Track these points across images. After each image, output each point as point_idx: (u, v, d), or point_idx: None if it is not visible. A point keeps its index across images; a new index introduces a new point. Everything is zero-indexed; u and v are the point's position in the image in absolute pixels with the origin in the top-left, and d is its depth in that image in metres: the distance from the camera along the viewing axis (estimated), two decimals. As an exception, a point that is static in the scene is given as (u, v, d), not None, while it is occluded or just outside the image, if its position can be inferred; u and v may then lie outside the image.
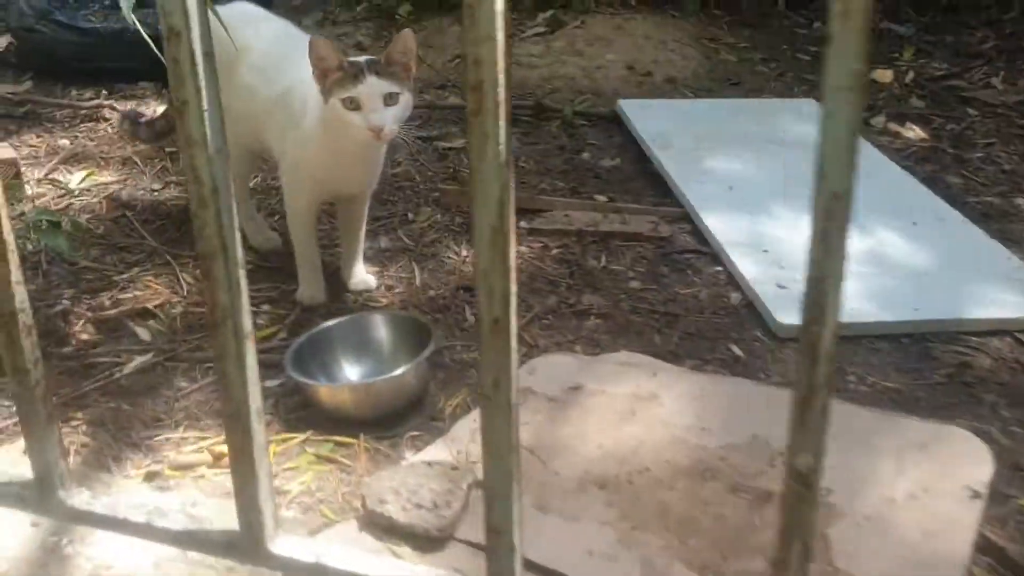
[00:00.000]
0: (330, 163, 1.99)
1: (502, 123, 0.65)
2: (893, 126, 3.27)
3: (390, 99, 1.83)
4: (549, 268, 2.28)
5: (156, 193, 2.69)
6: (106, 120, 3.19)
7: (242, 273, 0.88)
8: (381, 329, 1.91)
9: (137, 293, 2.20)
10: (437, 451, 1.62)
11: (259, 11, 2.30)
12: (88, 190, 2.70)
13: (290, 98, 2.03)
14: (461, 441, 1.63)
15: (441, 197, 2.61)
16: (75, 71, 3.49)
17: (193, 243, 2.24)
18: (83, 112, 3.24)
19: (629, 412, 1.71)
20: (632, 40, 3.85)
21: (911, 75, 3.76)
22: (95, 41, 3.46)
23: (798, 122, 3.08)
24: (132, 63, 3.44)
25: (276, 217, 2.56)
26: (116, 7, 3.64)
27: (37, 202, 2.61)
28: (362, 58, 1.89)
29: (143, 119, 2.64)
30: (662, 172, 2.73)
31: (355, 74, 1.83)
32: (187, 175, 0.82)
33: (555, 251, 2.36)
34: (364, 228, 2.20)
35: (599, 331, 2.03)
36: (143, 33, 3.34)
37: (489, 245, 0.68)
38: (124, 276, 2.26)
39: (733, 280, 2.21)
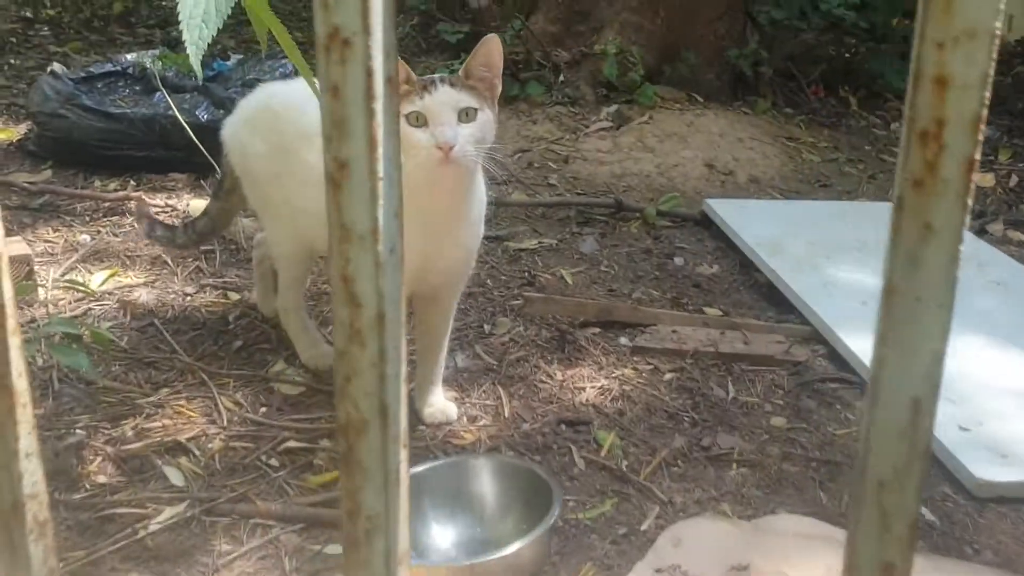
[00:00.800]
0: (410, 227, 1.57)
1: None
2: (1013, 233, 2.92)
3: (465, 115, 1.49)
4: (667, 398, 1.88)
5: (189, 298, 2.31)
6: (132, 214, 2.83)
7: (404, 456, 0.54)
8: (484, 479, 1.49)
9: (167, 422, 1.80)
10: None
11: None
12: (110, 293, 2.32)
13: None
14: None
15: (523, 306, 2.23)
16: (99, 159, 3.16)
17: (234, 359, 1.85)
18: (106, 205, 2.89)
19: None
20: (706, 137, 3.53)
21: (1015, 179, 3.43)
22: (123, 127, 3.14)
23: (913, 228, 2.71)
24: (163, 152, 3.13)
25: (329, 329, 2.17)
26: (147, 92, 3.36)
27: (51, 306, 2.23)
28: (436, 75, 1.54)
29: (186, 220, 2.27)
30: (776, 282, 2.35)
31: (424, 85, 1.50)
32: (334, 289, 0.52)
33: (669, 376, 1.96)
34: (447, 340, 1.81)
35: (747, 484, 1.61)
36: (179, 118, 3.06)
37: None
38: (151, 399, 1.87)
39: (897, 418, 1.80)
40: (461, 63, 3.91)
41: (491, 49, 1.49)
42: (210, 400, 1.88)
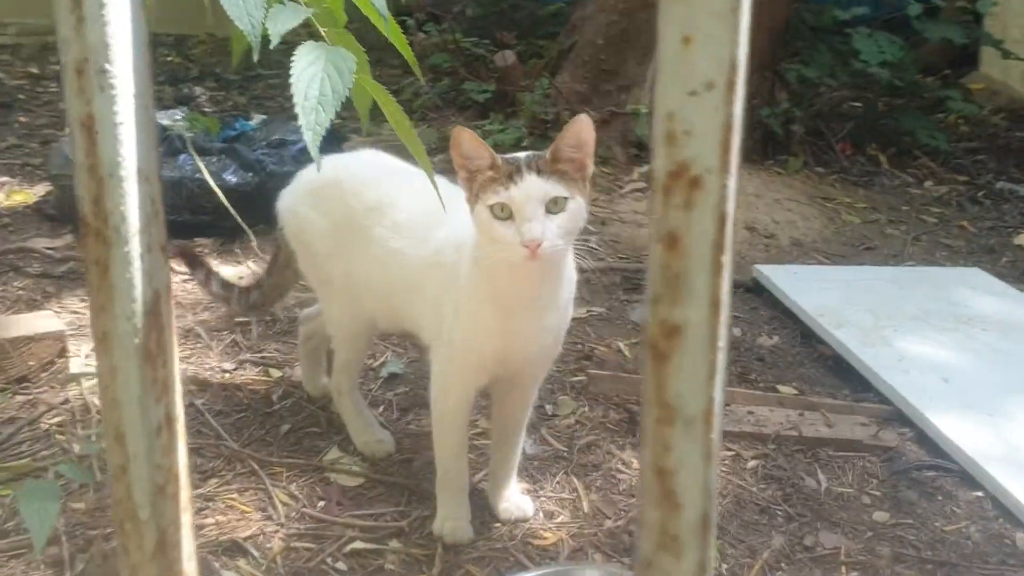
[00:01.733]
0: (491, 310, 1.47)
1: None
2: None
3: (554, 205, 1.36)
4: (754, 489, 1.75)
5: (228, 375, 2.18)
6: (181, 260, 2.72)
7: None
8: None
9: (220, 518, 1.66)
10: None
11: (389, 159, 1.86)
12: (145, 370, 2.19)
13: (445, 254, 1.56)
14: None
15: (587, 384, 2.11)
16: (123, 224, 3.06)
17: (283, 445, 1.70)
18: (133, 271, 2.77)
19: None
20: (743, 197, 3.44)
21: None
22: (150, 191, 3.04)
23: (974, 295, 2.63)
24: (189, 216, 3.01)
25: (380, 408, 2.05)
26: (170, 153, 3.25)
27: (85, 384, 2.10)
28: (522, 154, 1.43)
29: (238, 287, 2.14)
30: (846, 356, 2.24)
31: (510, 173, 1.36)
32: (644, 483, 0.51)
33: (752, 463, 1.84)
34: (524, 429, 1.69)
35: (862, 590, 1.49)
36: (210, 182, 2.95)
37: None
38: (200, 492, 1.73)
39: (1006, 511, 1.68)
40: (490, 123, 3.87)
41: (581, 128, 1.38)
42: (263, 492, 1.74)
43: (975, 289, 2.68)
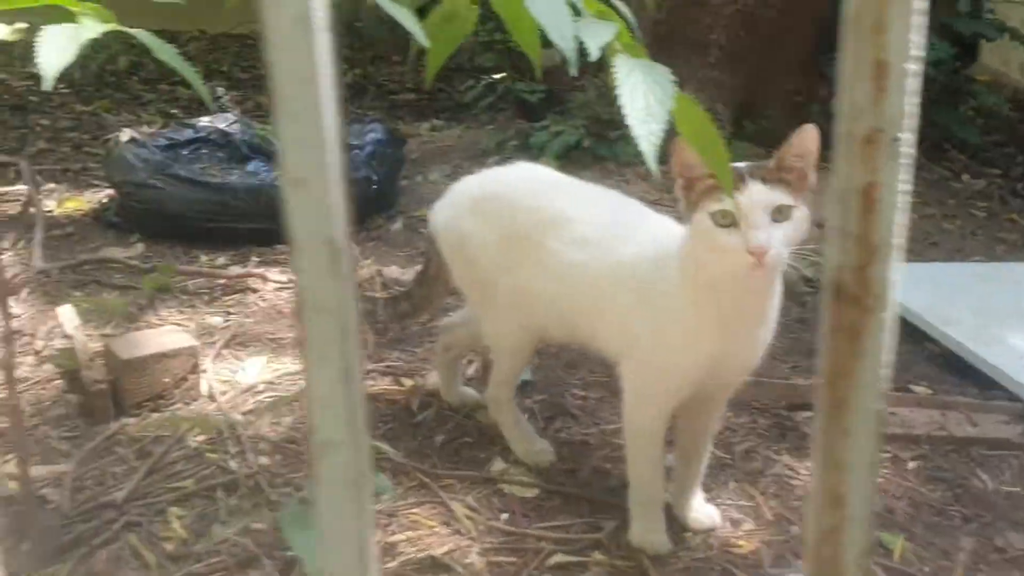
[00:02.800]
0: (703, 325, 1.48)
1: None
2: None
3: (779, 213, 1.37)
4: (923, 490, 1.79)
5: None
6: (254, 291, 2.68)
7: None
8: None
9: (409, 533, 1.66)
10: None
11: (550, 172, 1.86)
12: (273, 384, 2.18)
13: (638, 269, 1.57)
14: None
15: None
16: (196, 232, 3.00)
17: (441, 456, 1.72)
18: (222, 282, 2.73)
19: None
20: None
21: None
22: (227, 198, 3.00)
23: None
24: (268, 223, 2.97)
25: (525, 417, 2.05)
26: (233, 159, 3.22)
27: (221, 399, 2.08)
28: (742, 164, 1.44)
29: (389, 295, 2.14)
30: (964, 354, 2.29)
31: (734, 181, 1.37)
32: None
33: (912, 464, 1.88)
34: (711, 441, 1.71)
35: (1066, 590, 1.54)
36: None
37: None
38: (379, 507, 1.73)
39: None
40: (545, 123, 3.87)
41: (806, 138, 1.40)
42: (440, 506, 1.74)
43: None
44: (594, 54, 1.01)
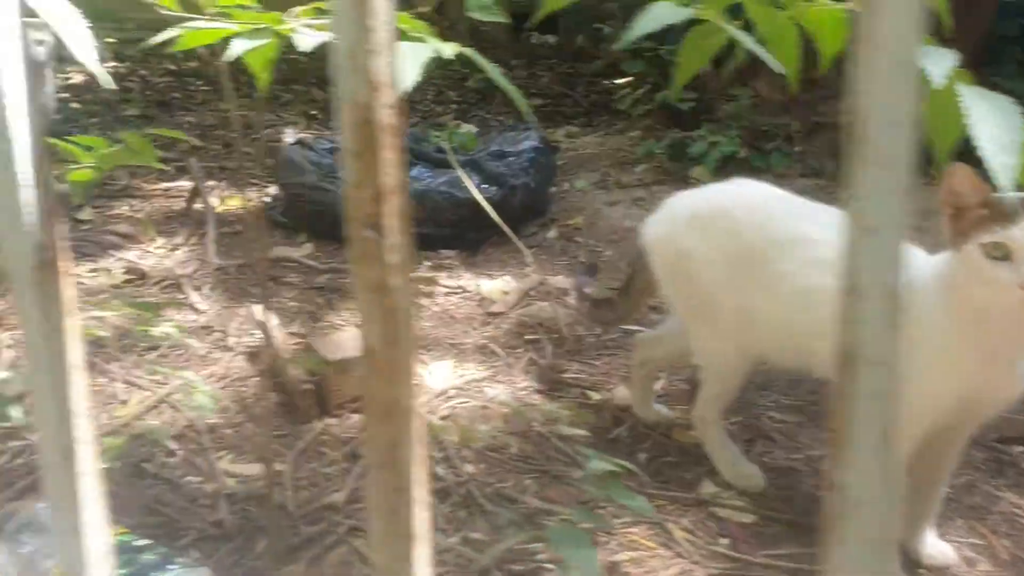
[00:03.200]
0: (963, 357, 1.43)
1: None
2: None
3: None
4: None
5: (542, 396, 2.16)
6: (428, 296, 2.70)
7: None
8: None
9: (630, 554, 1.63)
10: None
11: (773, 189, 1.82)
12: (463, 389, 2.18)
13: None
14: None
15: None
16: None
17: (646, 475, 1.68)
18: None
19: None
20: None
21: None
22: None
23: None
24: (432, 229, 3.00)
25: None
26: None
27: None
28: (1014, 194, 1.37)
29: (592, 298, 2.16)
30: None
31: (1008, 213, 1.32)
32: None
33: None
34: (949, 476, 1.64)
35: None
36: (476, 194, 2.91)
37: None
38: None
39: None
40: (701, 133, 3.81)
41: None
42: (656, 527, 1.71)
43: None
44: (937, 81, 0.97)
